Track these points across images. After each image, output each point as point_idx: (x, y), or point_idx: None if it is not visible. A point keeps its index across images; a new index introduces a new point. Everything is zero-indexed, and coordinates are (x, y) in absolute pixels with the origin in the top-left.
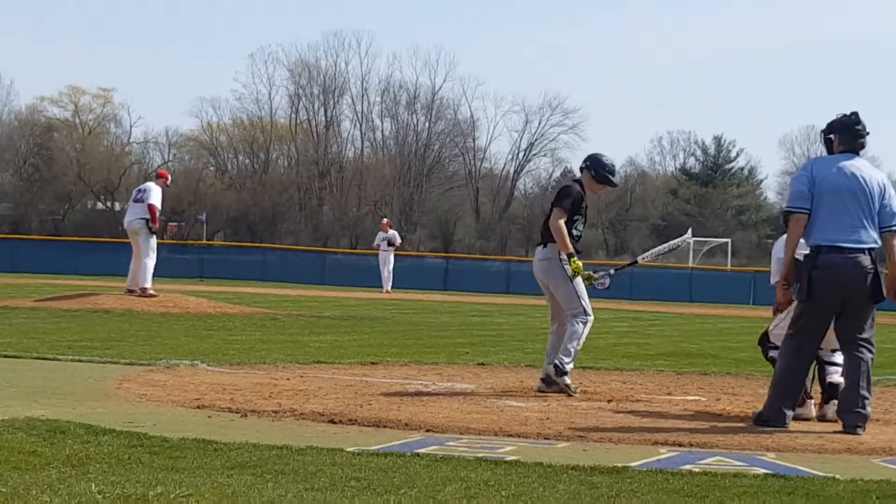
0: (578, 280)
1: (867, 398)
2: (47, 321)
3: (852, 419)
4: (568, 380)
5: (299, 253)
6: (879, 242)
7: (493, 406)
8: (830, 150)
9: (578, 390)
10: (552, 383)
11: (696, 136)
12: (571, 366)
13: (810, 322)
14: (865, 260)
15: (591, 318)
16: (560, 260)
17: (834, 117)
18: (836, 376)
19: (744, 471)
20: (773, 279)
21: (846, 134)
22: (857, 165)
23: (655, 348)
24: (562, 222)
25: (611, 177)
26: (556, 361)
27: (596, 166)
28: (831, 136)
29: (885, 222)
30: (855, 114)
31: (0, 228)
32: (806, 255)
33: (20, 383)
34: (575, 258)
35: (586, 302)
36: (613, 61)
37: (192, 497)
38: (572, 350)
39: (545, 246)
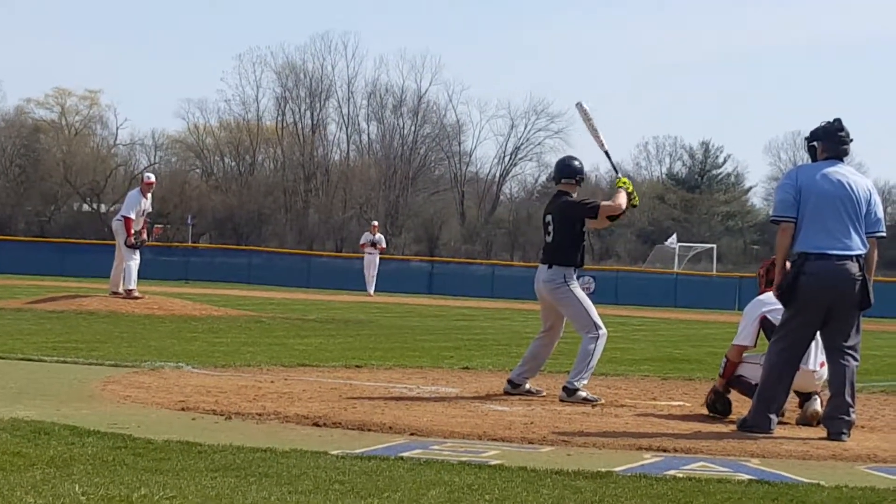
0: (584, 296)
1: (851, 405)
2: (32, 322)
3: (837, 425)
4: (583, 394)
5: (284, 256)
6: (866, 248)
7: (477, 410)
8: (814, 158)
9: (601, 399)
10: (518, 386)
11: (683, 142)
12: (585, 382)
13: (796, 329)
14: (853, 267)
15: (604, 331)
16: (566, 282)
17: (817, 124)
18: None
19: (728, 476)
20: (738, 340)
21: (829, 141)
22: (842, 172)
23: (640, 353)
24: (606, 203)
25: None
26: (566, 383)
27: (582, 174)
28: (814, 143)
29: (870, 228)
30: (838, 120)
31: None
32: (793, 262)
33: (4, 384)
34: (620, 178)
35: (596, 316)
36: (599, 66)
37: (176, 499)
38: (584, 370)
39: (550, 267)
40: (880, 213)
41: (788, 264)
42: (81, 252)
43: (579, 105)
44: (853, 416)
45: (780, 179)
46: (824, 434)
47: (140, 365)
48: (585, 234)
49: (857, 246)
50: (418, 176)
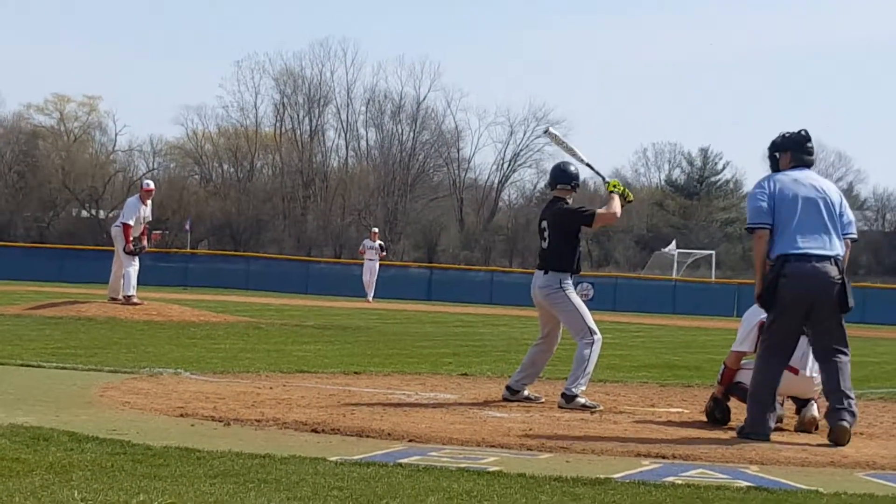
0: (579, 301)
1: (851, 396)
2: (31, 328)
3: (837, 415)
4: (581, 400)
5: (283, 262)
6: (843, 251)
7: (475, 417)
8: (775, 168)
9: (600, 405)
10: (516, 392)
11: (682, 148)
12: (583, 388)
13: (779, 332)
14: (833, 270)
15: (599, 336)
16: (562, 287)
17: (779, 135)
18: None
19: (727, 483)
20: (736, 346)
21: (798, 151)
22: (813, 177)
23: (639, 360)
24: (601, 211)
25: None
26: (564, 390)
27: (578, 181)
28: (777, 153)
29: (844, 230)
30: (805, 131)
31: None
32: (772, 266)
33: (4, 390)
34: (609, 182)
35: (591, 322)
36: (599, 72)
37: None
38: (581, 375)
39: (546, 272)
40: (851, 216)
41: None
42: (80, 258)
43: (547, 132)
44: (854, 407)
45: (752, 189)
46: (823, 440)
47: (139, 371)
48: (581, 239)
49: (836, 247)
50: (417, 182)
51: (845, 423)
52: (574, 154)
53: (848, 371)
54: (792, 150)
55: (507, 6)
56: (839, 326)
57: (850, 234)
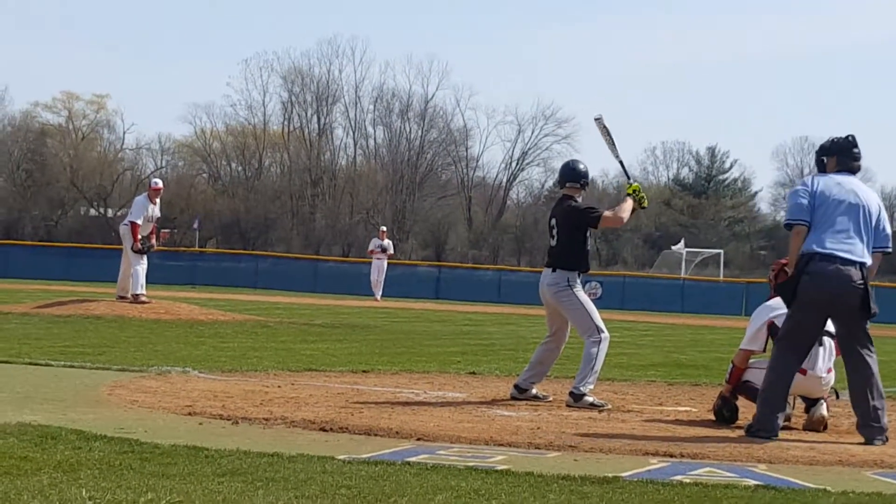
0: (587, 300)
1: (880, 408)
2: (39, 327)
3: (870, 433)
4: (590, 399)
5: (291, 260)
6: (870, 260)
7: (483, 415)
8: (822, 171)
9: (608, 404)
10: (524, 391)
11: (690, 147)
12: (591, 387)
13: (796, 329)
14: (856, 274)
15: (606, 335)
16: (569, 285)
17: (828, 139)
18: None
19: (735, 482)
20: (745, 345)
21: (843, 156)
22: (857, 184)
23: (647, 359)
24: (608, 214)
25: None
26: (572, 388)
27: (587, 179)
28: (824, 157)
29: (880, 243)
30: (852, 136)
31: None
32: (798, 262)
33: (12, 388)
34: (632, 184)
35: (598, 320)
36: (607, 71)
37: (183, 503)
38: (589, 374)
39: (554, 270)
40: (889, 230)
41: None
42: (88, 256)
43: (598, 120)
44: (884, 420)
45: (795, 185)
46: (831, 439)
47: (147, 369)
48: (589, 238)
49: (863, 254)
50: (425, 181)
51: (879, 443)
52: (613, 149)
53: (877, 377)
54: (838, 155)
55: (515, 5)
56: (864, 330)
57: (885, 247)
